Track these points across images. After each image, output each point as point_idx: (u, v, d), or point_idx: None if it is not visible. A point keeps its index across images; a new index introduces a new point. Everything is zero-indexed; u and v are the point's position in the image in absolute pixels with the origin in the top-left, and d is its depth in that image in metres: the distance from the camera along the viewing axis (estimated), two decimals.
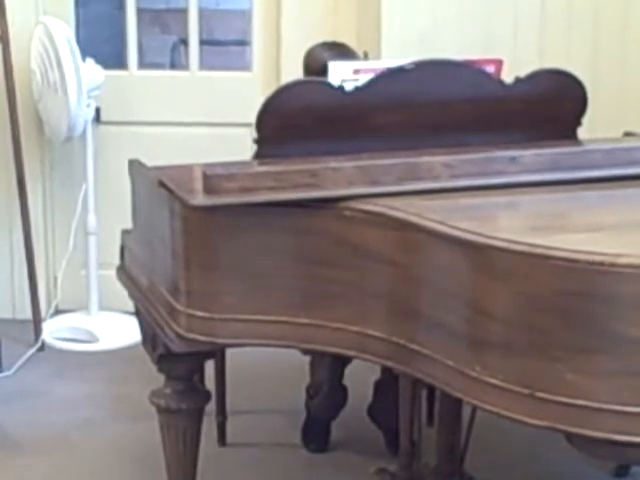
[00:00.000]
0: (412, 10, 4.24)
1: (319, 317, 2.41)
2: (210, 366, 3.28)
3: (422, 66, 2.72)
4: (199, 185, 2.47)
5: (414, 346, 2.26)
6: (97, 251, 4.38)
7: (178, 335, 2.51)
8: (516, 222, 2.39)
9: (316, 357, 3.34)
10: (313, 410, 3.42)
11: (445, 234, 2.17)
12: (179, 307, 2.51)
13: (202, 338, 2.50)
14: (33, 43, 4.24)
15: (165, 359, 2.70)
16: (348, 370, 3.35)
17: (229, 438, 3.46)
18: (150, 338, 2.77)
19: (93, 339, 4.34)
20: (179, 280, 2.51)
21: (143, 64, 4.86)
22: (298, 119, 2.65)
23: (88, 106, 4.21)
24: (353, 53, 3.34)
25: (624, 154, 2.68)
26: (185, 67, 4.76)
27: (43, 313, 4.40)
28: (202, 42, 4.64)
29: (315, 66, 3.19)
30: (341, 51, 3.30)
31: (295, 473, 3.30)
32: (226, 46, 6.17)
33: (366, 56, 3.33)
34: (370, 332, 2.35)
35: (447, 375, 2.18)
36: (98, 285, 4.41)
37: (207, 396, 2.81)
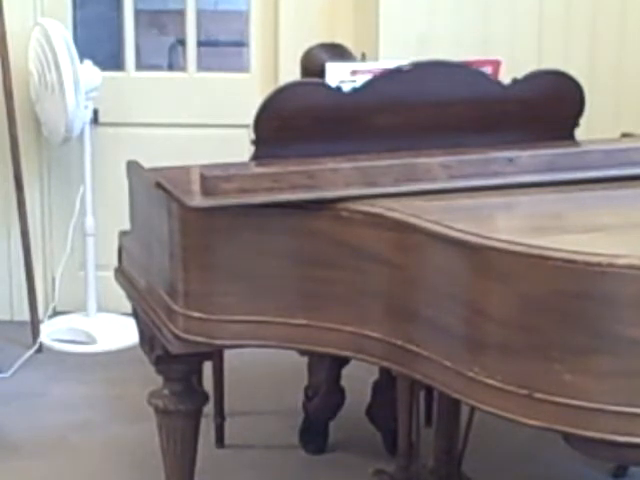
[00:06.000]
0: (410, 11, 4.25)
1: (317, 318, 2.41)
2: (208, 367, 3.28)
3: (420, 67, 2.72)
4: (197, 186, 2.47)
5: (412, 347, 2.26)
6: (95, 252, 4.38)
7: (176, 336, 2.51)
8: (514, 223, 2.39)
9: (314, 358, 3.34)
10: (311, 411, 3.42)
11: (443, 235, 2.17)
12: (177, 308, 2.51)
13: (200, 339, 2.49)
14: (31, 44, 4.24)
15: (163, 360, 2.70)
16: (346, 371, 3.35)
17: (227, 439, 3.46)
18: (148, 339, 2.77)
19: (91, 340, 4.34)
20: (177, 281, 2.51)
21: (141, 65, 4.85)
22: (296, 120, 2.65)
23: (86, 107, 4.21)
24: (351, 54, 3.34)
25: (621, 155, 2.68)
26: (183, 68, 4.75)
27: (41, 315, 4.40)
28: (200, 43, 4.64)
29: (313, 67, 3.19)
30: (339, 52, 3.30)
31: (293, 474, 3.30)
32: (224, 47, 6.16)
33: (364, 57, 3.34)
34: (368, 333, 2.35)
35: (445, 376, 2.18)
36: (96, 286, 4.41)
37: (205, 397, 2.81)
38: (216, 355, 3.29)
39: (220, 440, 3.46)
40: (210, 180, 2.42)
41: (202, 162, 2.71)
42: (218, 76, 4.66)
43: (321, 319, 2.40)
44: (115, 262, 3.07)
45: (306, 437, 3.44)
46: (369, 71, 2.77)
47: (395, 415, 2.89)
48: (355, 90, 2.70)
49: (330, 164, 2.52)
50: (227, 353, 3.33)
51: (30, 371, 4.06)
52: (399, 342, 2.29)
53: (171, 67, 6.29)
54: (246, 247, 2.44)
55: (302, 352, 3.02)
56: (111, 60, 4.84)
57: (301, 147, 2.65)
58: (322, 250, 2.39)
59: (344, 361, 3.26)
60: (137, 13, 4.62)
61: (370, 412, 3.42)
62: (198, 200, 2.43)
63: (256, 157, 2.68)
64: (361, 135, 2.71)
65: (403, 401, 2.82)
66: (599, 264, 1.96)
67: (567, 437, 2.06)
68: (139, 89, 4.53)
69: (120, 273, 3.01)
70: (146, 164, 2.84)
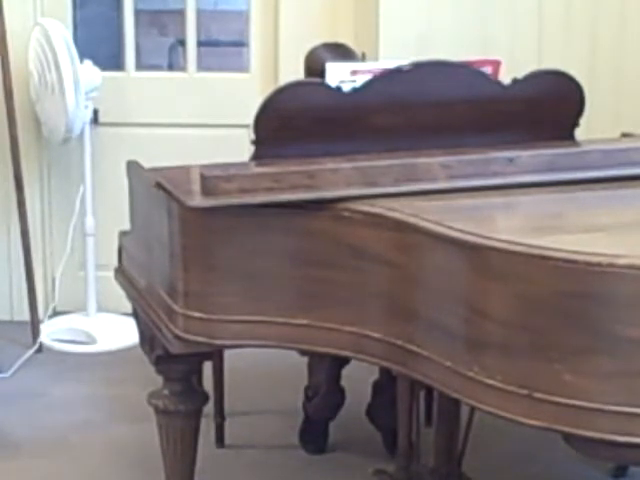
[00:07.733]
0: (410, 11, 4.25)
1: (317, 318, 2.41)
2: (208, 367, 3.28)
3: (420, 67, 2.72)
4: (197, 186, 2.47)
5: (412, 347, 2.26)
6: (95, 252, 4.38)
7: (176, 336, 2.51)
8: (514, 223, 2.39)
9: (314, 358, 3.34)
10: (311, 411, 3.42)
11: (443, 235, 2.17)
12: (177, 308, 2.51)
13: (200, 339, 2.49)
14: (31, 44, 4.24)
15: (163, 360, 2.70)
16: (346, 371, 3.35)
17: (227, 439, 3.46)
18: (148, 339, 2.77)
19: (91, 340, 4.34)
20: (177, 281, 2.51)
21: (141, 65, 4.86)
22: (296, 120, 2.65)
23: (86, 107, 4.21)
24: (354, 54, 3.33)
25: (621, 155, 2.68)
26: (183, 68, 4.75)
27: (41, 315, 4.40)
28: (200, 43, 4.64)
29: (316, 67, 3.18)
30: (342, 52, 3.30)
31: (293, 474, 3.30)
32: (224, 47, 6.16)
33: (364, 57, 3.33)
34: (368, 333, 2.35)
35: (445, 376, 2.18)
36: (96, 286, 4.41)
37: (205, 397, 2.81)
38: (216, 355, 3.29)
39: (220, 440, 3.46)
40: (210, 180, 2.42)
41: (202, 162, 2.71)
42: (218, 76, 4.66)
43: (321, 319, 2.40)
44: (115, 262, 3.07)
45: (306, 437, 3.44)
46: (369, 71, 2.77)
47: (395, 415, 2.89)
48: (355, 90, 2.70)
49: (330, 164, 2.52)
50: (227, 353, 3.33)
51: (30, 371, 4.05)
52: (399, 342, 2.29)
53: (171, 67, 6.29)
54: (246, 247, 2.44)
55: (302, 352, 3.01)
56: (111, 60, 4.84)
57: (301, 147, 2.65)
58: (322, 250, 2.39)
59: (344, 361, 3.26)
60: (137, 13, 4.62)
61: (370, 412, 3.42)
62: (198, 200, 2.43)
63: (256, 157, 2.68)
64: (361, 135, 2.71)
65: (403, 401, 2.82)
66: (599, 264, 1.96)
67: (567, 437, 2.06)
68: (139, 89, 4.53)
69: (120, 273, 3.01)
70: (146, 164, 2.84)
